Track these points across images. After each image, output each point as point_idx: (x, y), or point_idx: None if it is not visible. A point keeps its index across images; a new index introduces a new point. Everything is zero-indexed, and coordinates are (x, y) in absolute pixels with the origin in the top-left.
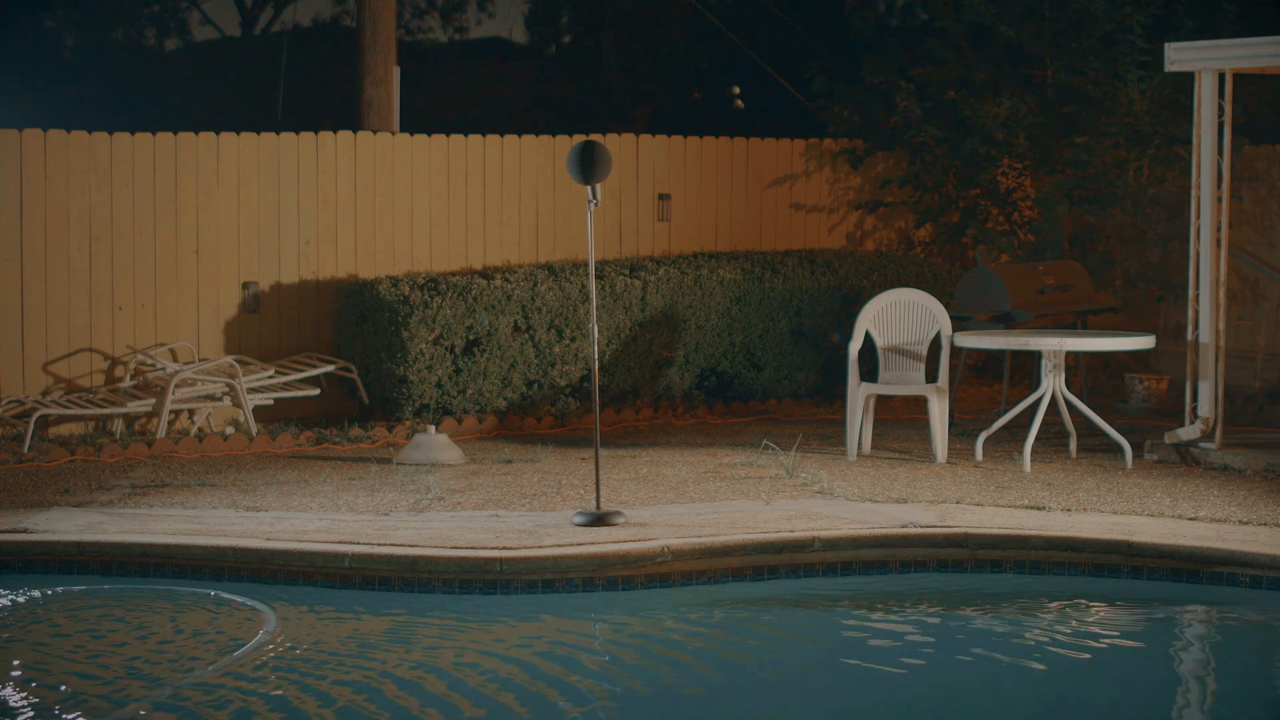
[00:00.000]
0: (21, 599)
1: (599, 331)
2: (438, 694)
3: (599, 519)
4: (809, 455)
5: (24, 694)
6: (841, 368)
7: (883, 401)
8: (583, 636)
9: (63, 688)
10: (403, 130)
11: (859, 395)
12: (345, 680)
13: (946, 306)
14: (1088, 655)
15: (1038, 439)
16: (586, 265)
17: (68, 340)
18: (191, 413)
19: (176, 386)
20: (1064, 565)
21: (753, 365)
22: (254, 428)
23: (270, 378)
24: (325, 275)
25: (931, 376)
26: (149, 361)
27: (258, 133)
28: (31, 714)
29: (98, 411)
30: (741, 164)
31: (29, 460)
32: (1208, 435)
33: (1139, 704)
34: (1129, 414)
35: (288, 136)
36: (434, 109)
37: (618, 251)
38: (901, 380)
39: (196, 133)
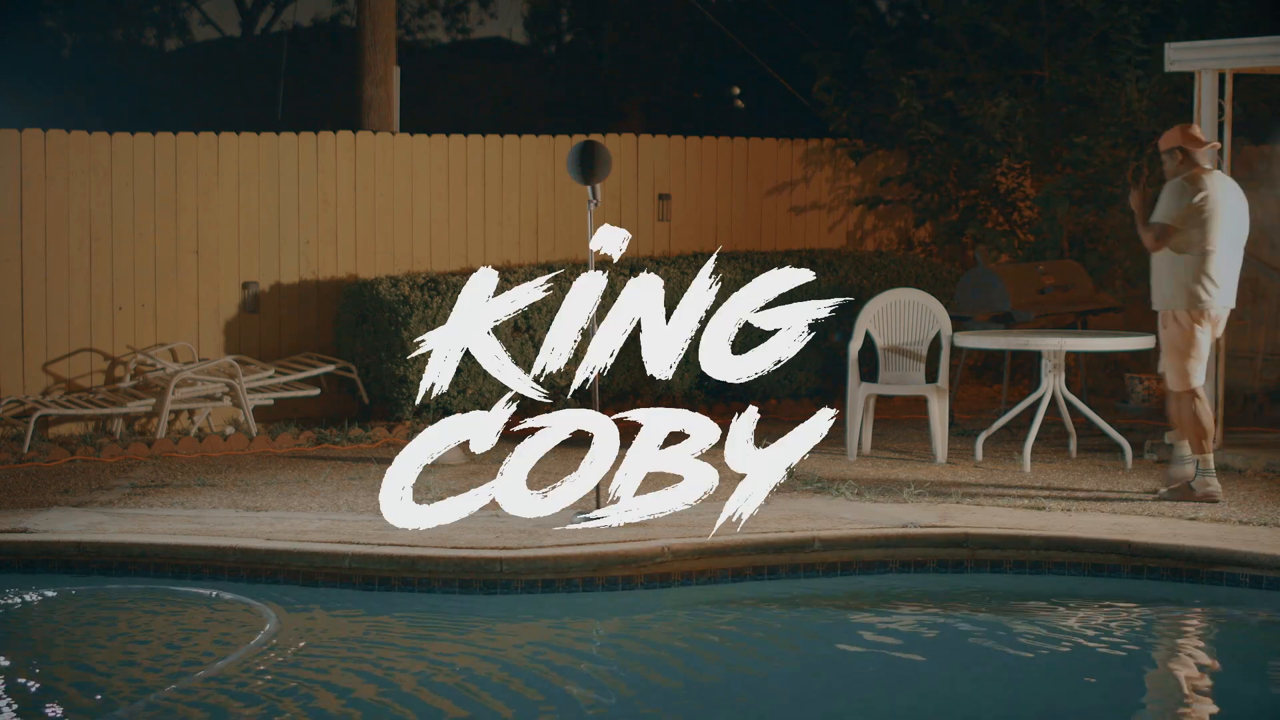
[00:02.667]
0: (21, 599)
1: None
2: (437, 694)
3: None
4: (809, 455)
5: (25, 694)
6: (841, 368)
7: (883, 401)
8: (583, 636)
9: (63, 688)
10: (403, 130)
11: (859, 395)
12: (345, 680)
13: (946, 306)
14: (1088, 655)
15: (1038, 439)
16: (586, 265)
17: (68, 340)
18: (191, 413)
19: (176, 386)
20: (1064, 565)
21: None
22: (254, 428)
23: (270, 378)
24: (325, 275)
25: (931, 376)
26: (149, 361)
27: (258, 133)
28: (32, 714)
29: (98, 411)
30: (741, 164)
31: (29, 460)
32: None
33: (1139, 704)
34: (1129, 414)
35: (288, 136)
36: (434, 109)
37: None
38: (901, 380)
39: (196, 133)
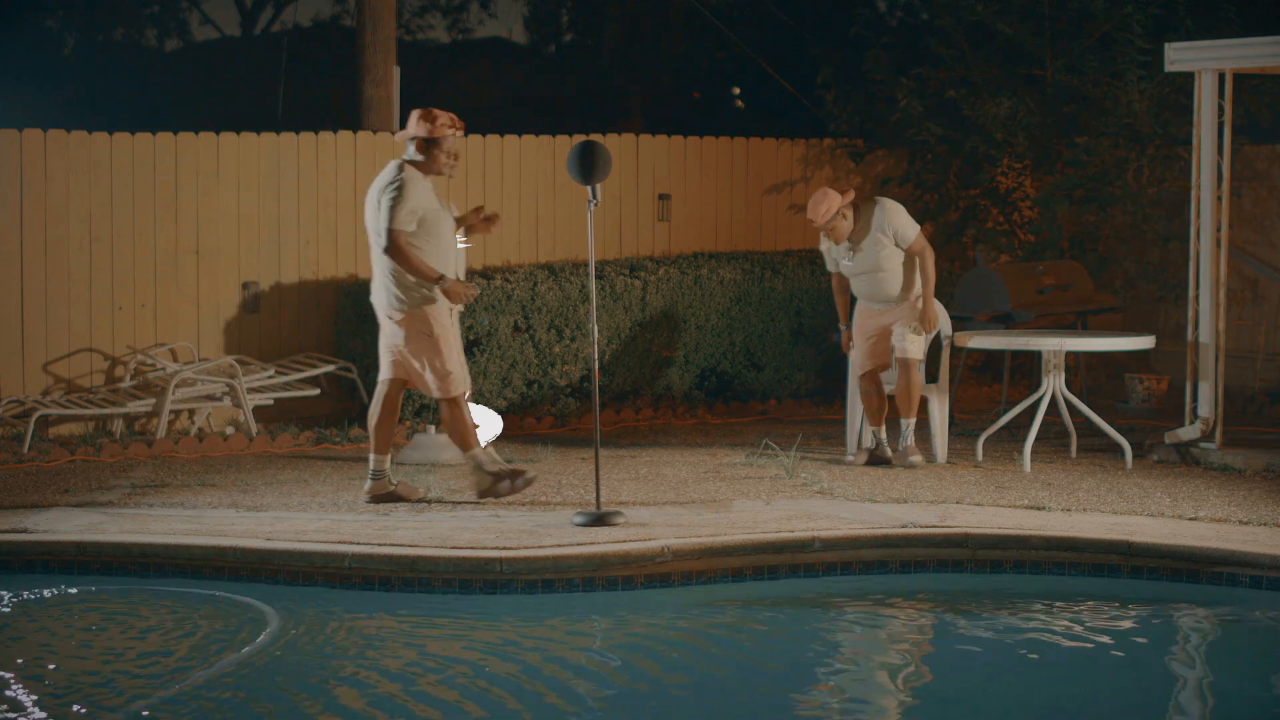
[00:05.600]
0: (21, 599)
1: (599, 331)
2: (438, 694)
3: (599, 519)
4: (809, 455)
5: (24, 694)
6: (841, 368)
7: None
8: (583, 636)
9: (63, 688)
10: (402, 130)
11: (859, 395)
12: (346, 680)
13: (946, 306)
14: (1087, 655)
15: (1038, 439)
16: (586, 265)
17: (68, 340)
18: (191, 413)
19: (176, 386)
20: (1064, 565)
21: (753, 365)
22: (254, 428)
23: (270, 378)
24: (325, 275)
25: (931, 376)
26: (149, 361)
27: (258, 133)
28: (32, 715)
29: (98, 411)
30: (741, 164)
31: (29, 460)
32: (1208, 435)
33: (1138, 704)
34: (1129, 414)
35: (288, 136)
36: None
37: (618, 251)
38: None
39: (196, 133)
